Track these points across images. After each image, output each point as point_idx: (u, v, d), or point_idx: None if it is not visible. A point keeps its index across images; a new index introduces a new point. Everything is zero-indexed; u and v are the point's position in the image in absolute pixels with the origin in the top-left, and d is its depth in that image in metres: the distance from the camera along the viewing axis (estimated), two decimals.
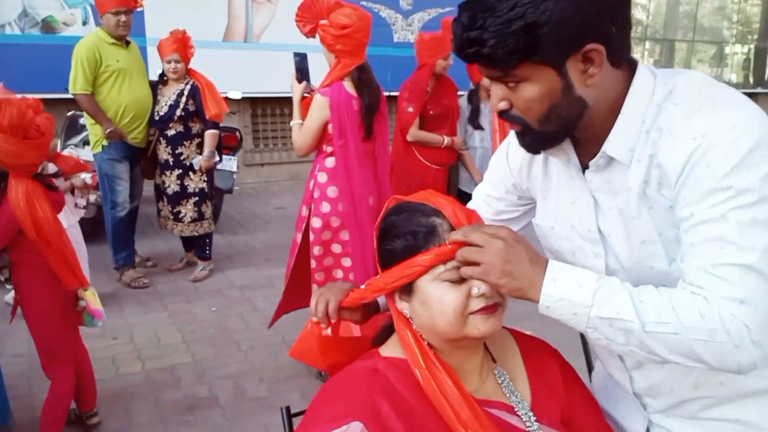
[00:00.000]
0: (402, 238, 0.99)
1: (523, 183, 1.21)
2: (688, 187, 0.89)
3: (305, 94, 2.89)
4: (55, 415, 2.42)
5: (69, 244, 2.36)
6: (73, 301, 2.45)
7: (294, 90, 2.89)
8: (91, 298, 2.48)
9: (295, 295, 3.07)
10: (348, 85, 2.77)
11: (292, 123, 2.90)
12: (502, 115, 1.00)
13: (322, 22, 2.71)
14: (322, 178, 2.84)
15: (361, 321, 1.16)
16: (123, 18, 4.03)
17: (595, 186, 1.04)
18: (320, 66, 2.88)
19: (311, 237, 2.89)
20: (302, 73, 2.89)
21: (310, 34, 2.79)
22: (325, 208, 2.84)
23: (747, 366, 0.86)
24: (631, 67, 1.00)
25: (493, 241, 0.92)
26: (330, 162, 2.82)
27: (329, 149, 2.81)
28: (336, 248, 2.90)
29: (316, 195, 2.86)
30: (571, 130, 1.00)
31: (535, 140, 1.02)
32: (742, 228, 0.85)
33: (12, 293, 2.69)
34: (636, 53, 11.77)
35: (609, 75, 0.96)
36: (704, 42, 12.41)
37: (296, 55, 2.90)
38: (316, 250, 2.89)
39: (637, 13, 11.86)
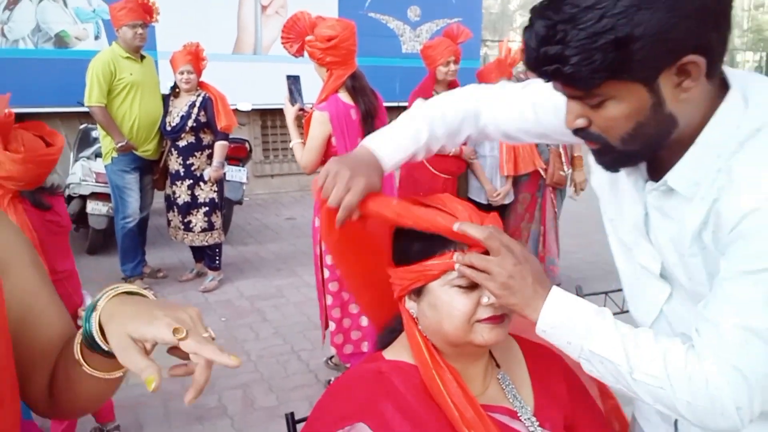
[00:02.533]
0: (418, 240, 0.99)
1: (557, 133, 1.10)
2: (735, 244, 0.83)
3: (300, 113, 2.92)
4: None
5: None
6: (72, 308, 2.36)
7: (287, 112, 2.92)
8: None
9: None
10: (344, 96, 2.79)
11: (292, 144, 2.92)
12: (578, 133, 0.91)
13: (308, 38, 2.73)
14: None
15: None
16: (139, 31, 4.12)
17: (650, 202, 0.96)
18: (319, 83, 2.90)
19: (323, 246, 2.88)
20: (295, 94, 2.93)
21: (299, 53, 2.81)
22: None
23: (730, 430, 0.84)
24: (722, 80, 0.88)
25: (504, 252, 0.91)
26: None
27: None
28: None
29: None
30: (657, 148, 0.90)
31: (616, 159, 0.93)
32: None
33: None
34: None
35: (702, 88, 0.85)
36: None
37: (290, 77, 2.93)
38: (328, 260, 2.89)
39: None
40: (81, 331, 0.75)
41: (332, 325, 2.99)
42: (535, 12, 0.84)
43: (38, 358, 0.82)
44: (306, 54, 2.81)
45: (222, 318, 3.97)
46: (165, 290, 4.44)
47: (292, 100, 2.93)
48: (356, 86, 2.79)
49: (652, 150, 0.90)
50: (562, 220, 4.31)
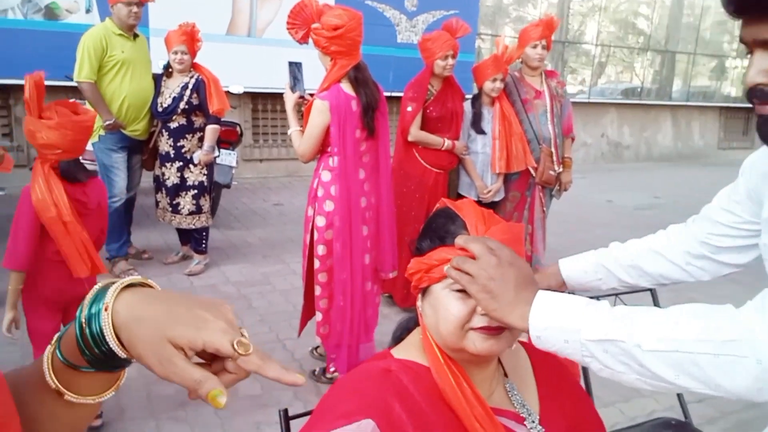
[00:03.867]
0: (429, 238, 1.02)
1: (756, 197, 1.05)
2: None
3: (300, 101, 2.90)
4: None
5: (81, 231, 2.30)
6: (75, 297, 2.40)
7: (287, 99, 2.90)
8: None
9: (312, 304, 3.06)
10: (346, 86, 2.76)
11: (290, 131, 2.89)
12: (754, 94, 0.84)
13: (314, 25, 2.70)
14: (326, 176, 2.84)
15: None
16: (134, 9, 4.05)
17: None
18: (320, 70, 2.87)
19: (315, 236, 2.88)
20: (296, 81, 2.90)
21: (303, 40, 2.77)
22: (329, 206, 2.83)
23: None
24: None
25: (487, 256, 0.90)
26: (333, 161, 2.82)
27: (332, 149, 2.81)
28: (338, 248, 2.90)
29: (320, 194, 2.85)
30: None
31: None
32: None
33: None
34: (637, 63, 11.82)
35: None
36: (705, 55, 12.47)
37: (292, 63, 2.90)
38: (319, 250, 2.88)
39: (640, 24, 11.91)
40: (54, 349, 0.59)
41: (319, 316, 2.98)
42: None
43: None
44: (310, 41, 2.78)
45: None
46: (150, 272, 4.40)
47: (293, 86, 2.90)
48: (359, 77, 2.77)
49: None
50: (551, 221, 4.33)
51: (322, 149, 2.85)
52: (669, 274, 1.31)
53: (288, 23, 2.78)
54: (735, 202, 1.17)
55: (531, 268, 0.96)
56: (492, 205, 3.98)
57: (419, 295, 1.05)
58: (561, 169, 4.00)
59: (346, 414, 0.92)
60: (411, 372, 1.00)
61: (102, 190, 2.52)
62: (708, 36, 12.41)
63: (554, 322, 0.86)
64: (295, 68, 2.90)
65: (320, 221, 2.86)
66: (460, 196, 3.97)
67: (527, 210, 4.04)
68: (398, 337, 1.13)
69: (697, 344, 0.76)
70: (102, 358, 0.58)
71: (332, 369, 3.04)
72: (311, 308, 3.07)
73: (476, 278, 0.89)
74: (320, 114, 2.73)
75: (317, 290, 2.94)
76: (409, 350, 1.06)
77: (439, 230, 1.01)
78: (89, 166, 4.55)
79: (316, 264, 2.90)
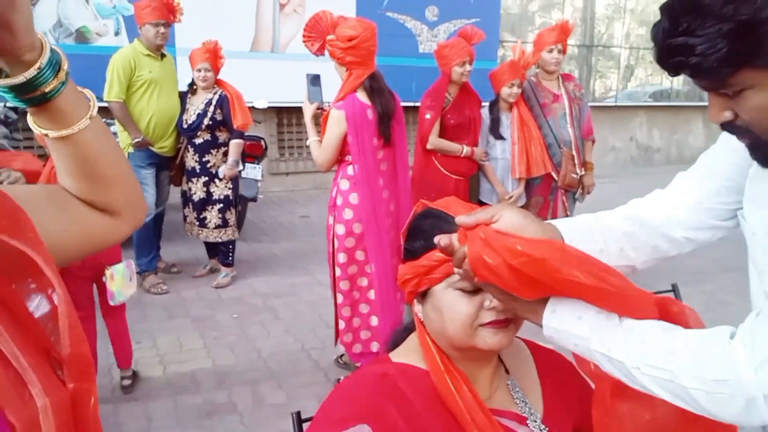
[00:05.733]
0: (423, 240, 1.00)
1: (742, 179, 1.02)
2: None
3: (318, 112, 2.95)
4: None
5: None
6: (99, 275, 2.76)
7: (306, 110, 2.95)
8: (108, 278, 2.76)
9: None
10: (361, 96, 2.81)
11: (308, 142, 2.94)
12: (726, 127, 0.87)
13: (329, 37, 2.76)
14: (345, 185, 2.88)
15: None
16: (162, 30, 4.17)
17: None
18: (339, 82, 2.92)
19: (336, 244, 2.92)
20: (315, 93, 2.95)
21: (319, 51, 2.84)
22: (348, 214, 2.87)
23: (758, 421, 0.76)
24: None
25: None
26: (351, 170, 2.85)
27: (350, 158, 2.85)
28: (359, 255, 2.92)
29: (339, 202, 2.89)
30: None
31: None
32: None
33: None
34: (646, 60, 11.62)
35: None
36: None
37: (309, 75, 2.96)
38: (340, 258, 2.91)
39: (646, 19, 11.71)
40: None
41: (342, 324, 3.00)
42: (662, 7, 0.81)
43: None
44: (326, 53, 2.84)
45: (234, 315, 4.00)
46: (179, 285, 4.48)
47: (311, 98, 2.95)
48: (374, 87, 2.82)
49: None
50: None
51: (340, 158, 2.89)
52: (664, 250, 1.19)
53: (304, 36, 2.85)
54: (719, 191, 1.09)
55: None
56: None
57: (415, 300, 1.04)
58: (583, 172, 3.96)
59: (343, 420, 0.93)
60: (409, 376, 1.00)
61: None
62: None
63: (566, 327, 0.87)
64: (313, 80, 2.96)
65: (340, 229, 2.89)
66: (481, 203, 3.97)
67: (550, 214, 4.01)
68: (396, 341, 1.12)
69: (691, 380, 0.78)
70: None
71: None
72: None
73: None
74: (337, 123, 2.77)
75: (339, 298, 2.97)
76: (408, 354, 1.05)
77: (432, 230, 0.98)
78: None
79: (337, 272, 2.93)
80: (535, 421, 1.03)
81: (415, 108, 5.84)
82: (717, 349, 0.78)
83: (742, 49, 0.74)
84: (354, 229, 2.87)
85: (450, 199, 1.04)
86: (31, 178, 2.41)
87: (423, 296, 1.02)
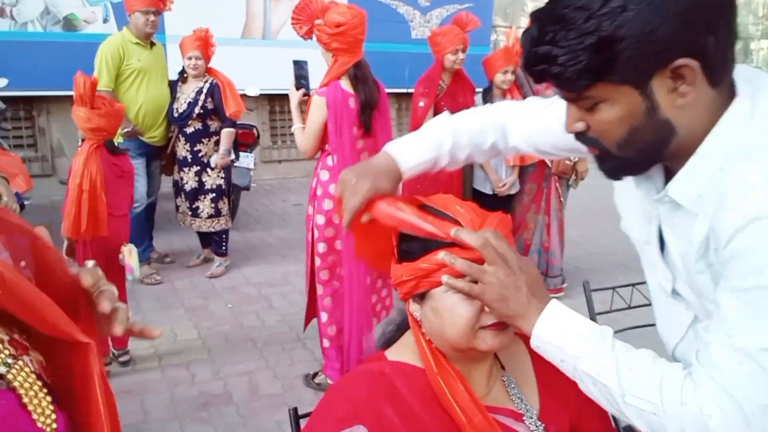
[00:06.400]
0: (423, 242, 0.97)
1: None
2: (729, 262, 0.80)
3: (304, 98, 2.91)
4: None
5: (102, 200, 2.81)
6: (112, 253, 2.95)
7: (292, 96, 2.92)
8: (126, 254, 2.96)
9: (315, 302, 3.05)
10: (345, 84, 2.77)
11: (293, 128, 2.92)
12: (578, 138, 0.91)
13: (317, 21, 2.72)
14: (324, 175, 2.85)
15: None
16: (151, 18, 4.11)
17: (663, 217, 0.95)
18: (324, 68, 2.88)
19: (315, 234, 2.89)
20: (301, 80, 2.92)
21: (307, 35, 2.80)
22: (327, 205, 2.84)
23: None
24: (732, 88, 0.85)
25: (498, 262, 0.89)
26: (331, 160, 2.82)
27: (330, 147, 2.82)
28: (339, 245, 2.89)
29: (318, 192, 2.87)
30: (656, 157, 0.88)
31: (615, 167, 0.91)
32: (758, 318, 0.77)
33: None
34: None
35: (705, 95, 0.82)
36: None
37: (296, 62, 2.93)
38: (320, 248, 2.89)
39: None
40: None
41: (324, 316, 2.96)
42: (533, 15, 0.85)
43: None
44: (315, 38, 2.80)
45: (228, 304, 3.99)
46: (172, 275, 4.46)
47: (298, 85, 2.92)
48: (359, 75, 2.78)
49: (651, 158, 0.89)
50: (568, 211, 4.29)
51: (322, 148, 2.86)
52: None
53: (293, 18, 2.81)
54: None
55: (530, 263, 0.95)
56: (508, 199, 3.96)
57: (410, 300, 1.03)
58: (576, 159, 3.95)
59: (339, 420, 0.93)
60: (405, 375, 1.00)
61: (131, 164, 3.19)
62: None
63: (556, 341, 0.88)
64: (300, 66, 2.93)
65: (320, 220, 2.86)
66: (475, 191, 3.96)
67: (544, 201, 4.01)
68: (390, 338, 1.12)
69: (671, 417, 0.79)
70: None
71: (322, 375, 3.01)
72: (314, 307, 3.06)
73: (489, 286, 0.88)
74: (318, 109, 2.75)
75: (319, 289, 2.93)
76: (403, 352, 1.05)
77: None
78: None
79: (317, 262, 2.90)
80: (532, 418, 1.03)
81: (408, 94, 5.80)
82: (694, 390, 0.80)
83: (599, 64, 0.78)
84: (333, 219, 2.84)
85: (448, 198, 1.02)
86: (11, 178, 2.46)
87: (421, 297, 1.00)
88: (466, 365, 1.01)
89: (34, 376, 0.67)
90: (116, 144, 4.16)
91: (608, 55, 0.77)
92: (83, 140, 2.89)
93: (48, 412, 0.66)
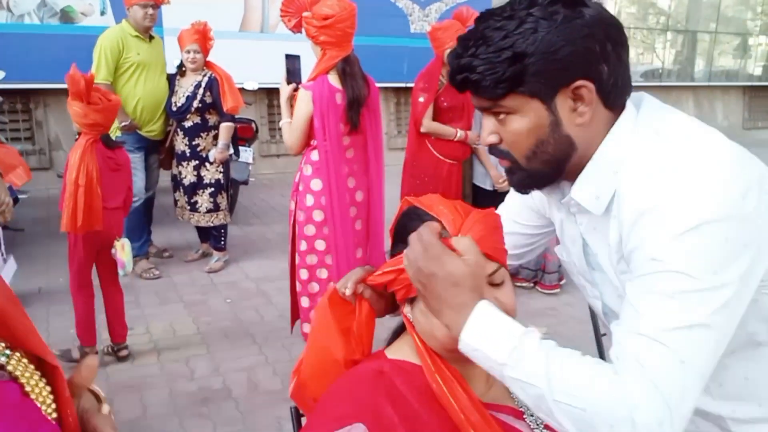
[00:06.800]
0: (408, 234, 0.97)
1: (545, 210, 1.21)
2: (633, 253, 0.89)
3: (295, 93, 2.87)
4: (82, 325, 3.01)
5: (97, 194, 2.81)
6: (105, 246, 2.98)
7: (282, 90, 2.88)
8: (119, 248, 2.97)
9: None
10: (333, 79, 2.73)
11: (281, 123, 2.88)
12: (492, 150, 1.01)
13: (306, 14, 2.69)
14: (307, 170, 2.82)
15: (382, 313, 1.10)
16: (150, 11, 4.09)
17: (584, 229, 1.04)
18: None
19: (297, 231, 2.86)
20: (293, 74, 2.87)
21: (296, 28, 2.76)
22: (309, 201, 2.81)
23: None
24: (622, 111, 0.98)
25: (418, 282, 0.92)
26: (315, 155, 2.79)
27: (315, 142, 2.79)
28: (320, 245, 2.85)
29: (300, 188, 2.84)
30: (559, 171, 0.98)
31: (523, 179, 1.01)
32: (659, 302, 0.84)
33: None
34: (658, 44, 11.59)
35: (601, 116, 0.95)
36: (728, 33, 12.20)
37: (288, 56, 2.88)
38: (301, 245, 2.86)
39: (660, 3, 11.67)
40: None
41: (300, 315, 2.95)
42: (459, 37, 0.97)
43: None
44: (303, 31, 2.77)
45: (227, 299, 3.99)
46: (170, 270, 4.46)
47: (289, 79, 2.88)
48: (347, 70, 2.74)
49: (555, 170, 0.98)
50: None
51: (308, 143, 2.83)
52: None
53: (281, 10, 2.78)
54: (518, 214, 1.27)
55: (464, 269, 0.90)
56: (507, 194, 3.95)
57: (406, 303, 1.02)
58: None
59: (339, 418, 0.93)
60: (404, 373, 1.00)
61: (127, 156, 3.17)
62: (730, 13, 12.12)
63: (484, 348, 0.87)
64: (292, 61, 2.88)
65: (300, 216, 2.84)
66: (475, 187, 3.96)
67: None
68: (390, 337, 1.11)
69: (600, 411, 0.81)
70: None
71: None
72: (296, 304, 3.03)
73: (408, 270, 0.93)
74: (304, 104, 2.71)
75: (298, 287, 2.92)
76: (403, 349, 1.05)
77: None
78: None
79: (297, 260, 2.88)
80: (532, 416, 1.03)
81: (406, 89, 5.77)
82: (623, 383, 0.83)
83: (512, 75, 0.89)
84: (314, 216, 2.81)
85: (434, 198, 1.01)
86: (7, 170, 2.48)
87: (412, 300, 1.01)
88: (462, 365, 1.01)
89: (32, 366, 0.68)
90: (114, 138, 4.19)
91: (520, 67, 0.88)
92: (80, 134, 2.88)
93: (49, 401, 0.67)
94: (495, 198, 3.77)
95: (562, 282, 4.13)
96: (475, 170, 3.96)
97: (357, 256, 2.90)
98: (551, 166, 0.97)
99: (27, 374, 0.66)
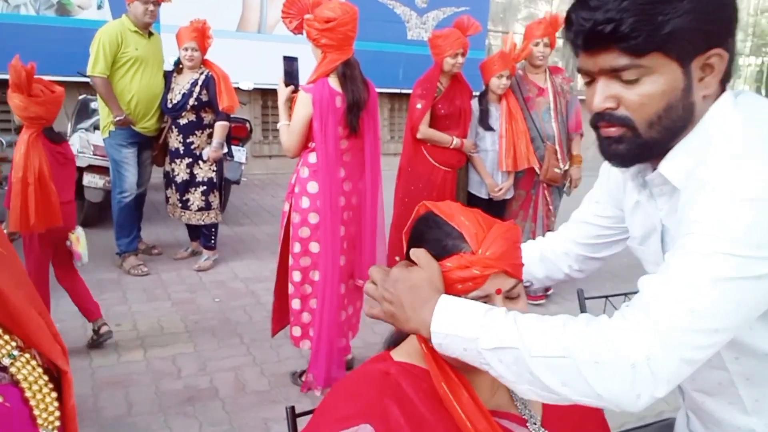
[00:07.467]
0: (430, 240, 0.97)
1: (621, 197, 1.16)
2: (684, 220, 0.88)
3: (293, 95, 2.84)
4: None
5: (52, 190, 2.76)
6: (60, 240, 2.95)
7: (280, 92, 2.85)
8: (74, 240, 2.95)
9: (285, 304, 2.97)
10: (333, 82, 2.72)
11: (279, 125, 2.86)
12: (600, 117, 0.94)
13: (307, 16, 2.67)
14: (304, 173, 2.80)
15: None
16: (151, 7, 4.08)
17: (665, 214, 0.99)
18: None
19: (291, 232, 2.84)
20: (291, 76, 2.85)
21: (297, 30, 2.74)
22: (305, 203, 2.80)
23: (648, 395, 0.79)
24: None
25: (380, 277, 0.96)
26: (313, 157, 2.78)
27: (313, 145, 2.78)
28: (314, 248, 2.83)
29: (296, 190, 2.82)
30: (671, 142, 0.93)
31: (632, 148, 0.94)
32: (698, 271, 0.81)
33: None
34: None
35: (715, 92, 0.92)
36: None
37: (286, 58, 2.87)
38: (295, 247, 2.84)
39: None
40: None
41: (291, 317, 2.93)
42: None
43: None
44: (305, 33, 2.75)
45: (216, 299, 3.96)
46: (159, 267, 4.42)
47: (287, 81, 2.87)
48: (347, 74, 2.72)
49: (668, 142, 0.94)
50: (560, 218, 4.30)
51: (306, 145, 2.82)
52: (554, 277, 1.38)
53: (283, 12, 2.76)
54: (596, 202, 1.26)
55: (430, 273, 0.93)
56: (503, 203, 3.97)
57: None
58: (567, 167, 3.97)
59: (345, 418, 0.92)
60: (410, 376, 0.99)
61: (71, 149, 3.12)
62: None
63: (454, 330, 0.87)
64: (290, 62, 2.87)
65: (295, 218, 2.82)
66: (470, 195, 3.96)
67: (532, 208, 4.02)
68: (396, 338, 1.11)
69: (582, 351, 0.80)
70: None
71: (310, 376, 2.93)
72: (281, 307, 2.99)
73: (387, 316, 0.95)
74: (303, 106, 2.70)
75: (290, 289, 2.89)
76: (409, 352, 1.04)
77: (434, 245, 0.96)
78: (101, 162, 4.63)
79: (290, 261, 2.86)
80: (535, 424, 1.03)
81: (402, 95, 5.79)
82: (608, 320, 0.84)
83: (667, 32, 0.84)
84: (309, 219, 2.80)
85: (454, 207, 1.00)
86: None
87: None
88: (469, 372, 1.01)
89: (40, 369, 0.66)
90: (108, 132, 4.17)
91: (676, 23, 0.83)
92: (21, 128, 2.80)
93: (51, 408, 0.65)
94: (489, 207, 3.78)
95: (549, 293, 4.15)
96: (470, 178, 3.97)
97: (340, 264, 2.87)
98: (669, 135, 0.92)
99: (31, 378, 0.64)
